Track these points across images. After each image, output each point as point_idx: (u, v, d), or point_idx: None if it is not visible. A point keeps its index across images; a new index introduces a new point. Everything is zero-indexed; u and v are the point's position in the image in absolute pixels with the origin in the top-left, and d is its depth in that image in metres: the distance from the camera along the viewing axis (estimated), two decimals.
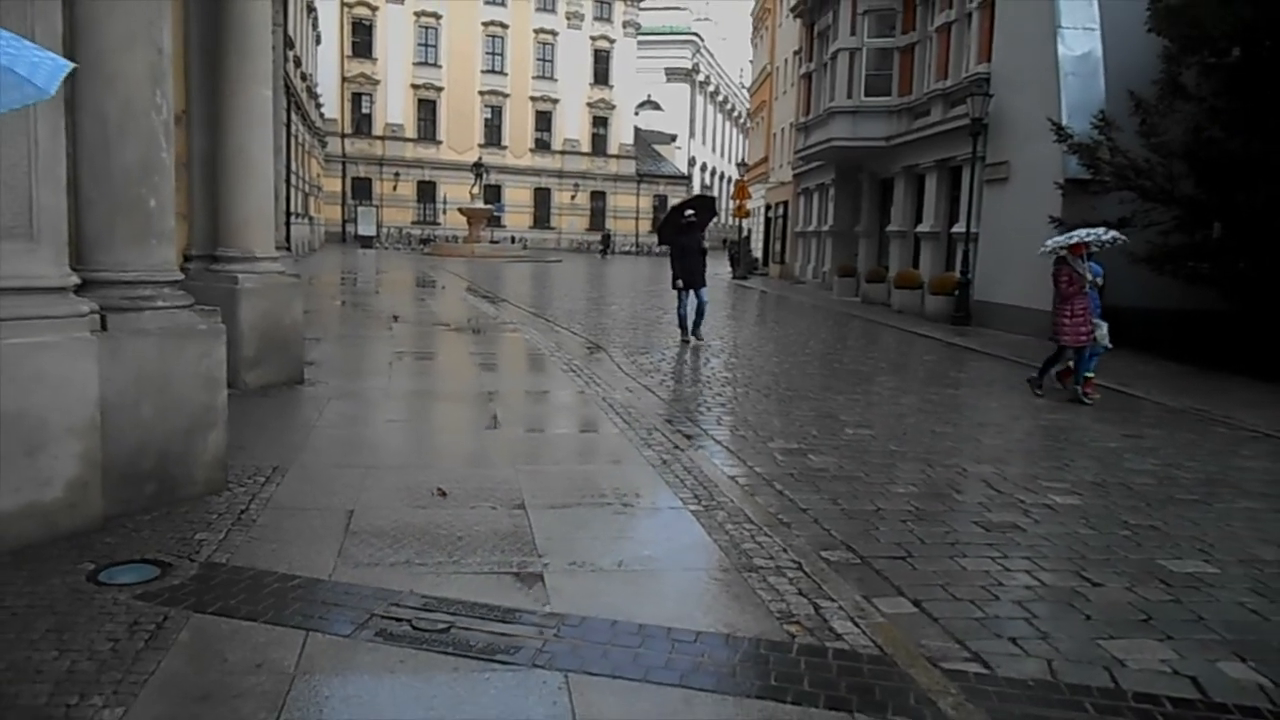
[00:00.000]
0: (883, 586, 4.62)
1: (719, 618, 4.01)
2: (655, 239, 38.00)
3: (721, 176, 77.54)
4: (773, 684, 3.45)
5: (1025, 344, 15.41)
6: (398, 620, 3.82)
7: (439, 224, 59.90)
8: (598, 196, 66.26)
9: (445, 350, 12.58)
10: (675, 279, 14.59)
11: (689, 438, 7.61)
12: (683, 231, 14.67)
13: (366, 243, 51.02)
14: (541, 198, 64.47)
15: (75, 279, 4.56)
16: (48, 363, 4.36)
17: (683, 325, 14.52)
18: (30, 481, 4.35)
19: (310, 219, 44.36)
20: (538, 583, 4.29)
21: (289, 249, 29.08)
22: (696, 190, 67.13)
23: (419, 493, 5.58)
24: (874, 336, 17.30)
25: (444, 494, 5.59)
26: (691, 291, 14.39)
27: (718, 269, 40.58)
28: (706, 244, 15.18)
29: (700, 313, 14.41)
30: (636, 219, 65.73)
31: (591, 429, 7.88)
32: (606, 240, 59.31)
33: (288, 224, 31.33)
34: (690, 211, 14.86)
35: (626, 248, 61.16)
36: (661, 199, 68.19)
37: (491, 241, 52.36)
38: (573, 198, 65.08)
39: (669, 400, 9.41)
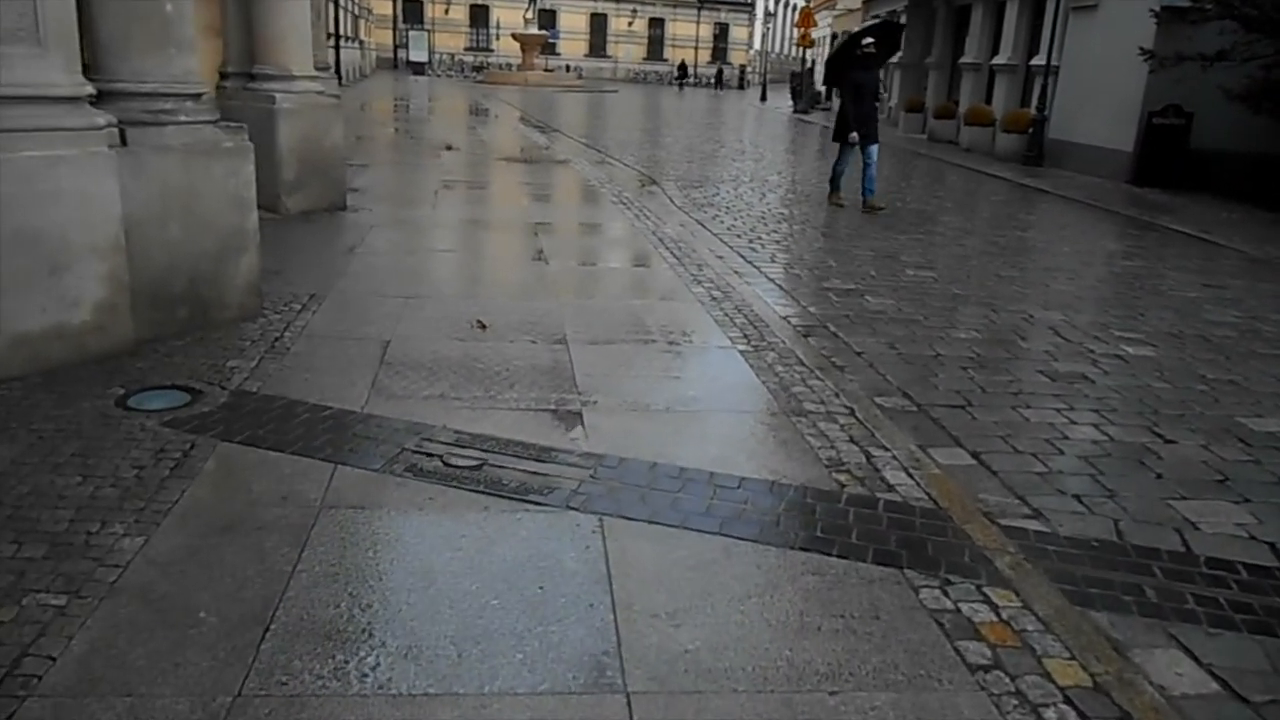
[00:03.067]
0: (940, 436, 4.37)
1: (764, 463, 3.81)
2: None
3: (787, 4, 73.43)
4: (818, 535, 3.26)
5: (1101, 187, 14.59)
6: (429, 455, 3.68)
7: (492, 50, 58.07)
8: (656, 24, 63.41)
9: (494, 180, 12.22)
10: (843, 129, 11.26)
11: (740, 275, 7.28)
12: (858, 66, 11.23)
13: (418, 69, 49.72)
14: (598, 24, 61.90)
15: (90, 89, 4.27)
16: (65, 178, 4.14)
17: (835, 181, 11.71)
18: (56, 302, 4.21)
19: (360, 43, 43.21)
20: (576, 421, 4.11)
21: (335, 72, 28.45)
22: (761, 18, 63.81)
23: (458, 324, 5.39)
24: (939, 175, 16.49)
25: (484, 326, 5.39)
26: (858, 147, 11.07)
27: (778, 102, 39.00)
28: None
29: (870, 175, 11.20)
30: (696, 48, 63.00)
31: (641, 264, 7.58)
32: (684, 70, 56.95)
33: (336, 47, 30.56)
34: (869, 40, 11.37)
35: (692, 79, 58.62)
36: (723, 26, 65.15)
37: (546, 70, 50.72)
38: (630, 24, 62.37)
39: (722, 236, 9.03)
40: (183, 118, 4.73)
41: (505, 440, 3.85)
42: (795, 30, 39.62)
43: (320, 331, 5.12)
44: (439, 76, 49.94)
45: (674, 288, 6.59)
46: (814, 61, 39.91)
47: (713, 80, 58.33)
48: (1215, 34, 12.86)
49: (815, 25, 37.34)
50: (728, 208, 10.92)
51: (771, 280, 7.34)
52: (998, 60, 20.75)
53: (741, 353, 5.21)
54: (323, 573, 2.86)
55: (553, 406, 4.26)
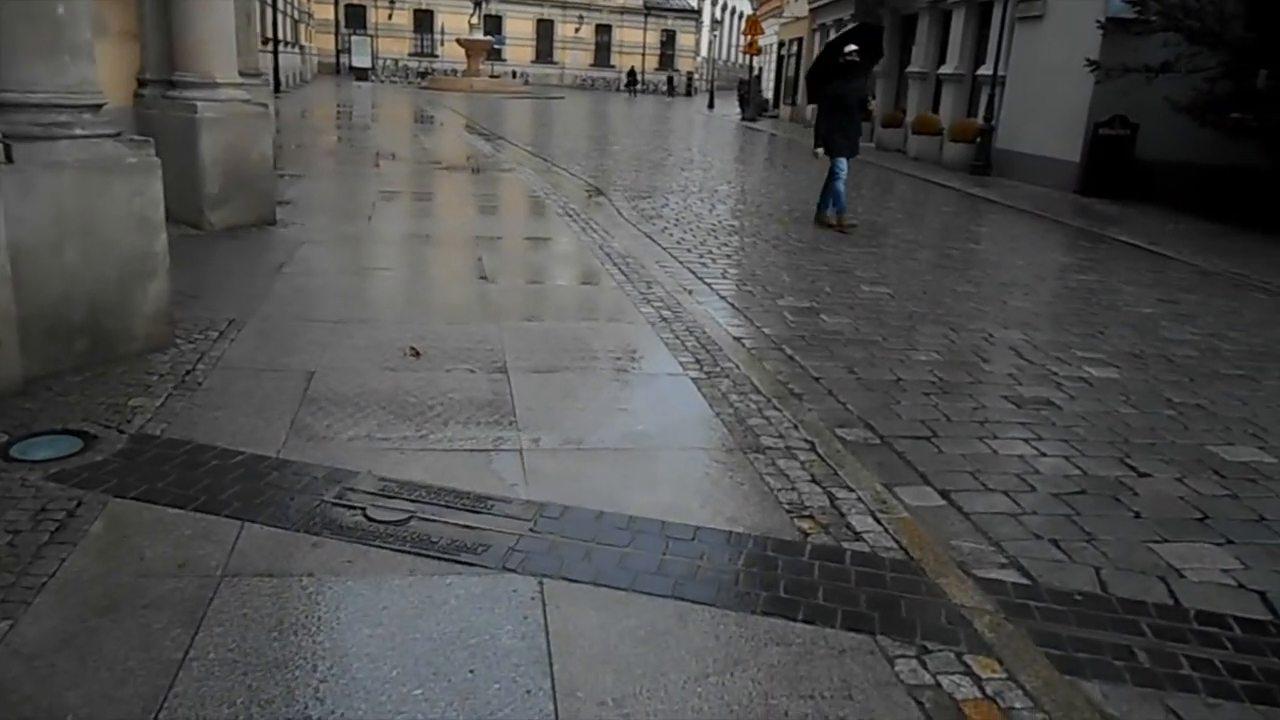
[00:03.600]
0: (906, 473, 4.11)
1: (721, 509, 3.50)
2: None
3: (733, 11, 73.58)
4: (782, 596, 2.96)
5: (1049, 197, 14.60)
6: (350, 508, 3.30)
7: (437, 56, 57.37)
8: (603, 30, 63.17)
9: (436, 191, 11.80)
10: (823, 140, 10.60)
11: (691, 292, 6.99)
12: (841, 75, 10.48)
13: (361, 75, 48.87)
14: (544, 30, 61.49)
15: None
16: None
17: (836, 201, 10.53)
18: None
19: (301, 48, 42.34)
20: (515, 463, 3.77)
21: (274, 77, 27.69)
22: (707, 25, 63.83)
23: (390, 352, 5.02)
24: (888, 185, 16.41)
25: (417, 354, 5.02)
26: (842, 160, 10.44)
27: (726, 110, 38.96)
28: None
29: (837, 190, 10.50)
30: (643, 55, 62.86)
31: (588, 281, 7.24)
32: (634, 77, 56.62)
33: (275, 52, 29.81)
34: (852, 49, 10.56)
35: (640, 86, 58.14)
36: (670, 34, 65.13)
37: (491, 76, 50.20)
38: (577, 30, 62.07)
39: (671, 250, 8.74)
40: (78, 131, 4.30)
41: (436, 488, 3.50)
42: (742, 38, 39.61)
43: (237, 363, 4.71)
44: (382, 82, 49.13)
45: (622, 307, 6.27)
46: (761, 69, 39.93)
47: (665, 87, 58.20)
48: (1160, 45, 12.91)
49: (762, 33, 37.35)
50: (676, 220, 10.64)
51: (723, 298, 7.06)
52: (944, 69, 20.82)
53: (694, 380, 4.90)
54: (218, 660, 2.49)
55: (490, 446, 3.91)
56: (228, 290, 6.07)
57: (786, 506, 3.56)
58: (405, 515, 3.29)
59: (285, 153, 13.47)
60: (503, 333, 5.50)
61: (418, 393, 4.45)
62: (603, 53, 63.11)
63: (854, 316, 6.73)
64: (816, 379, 5.28)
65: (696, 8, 67.22)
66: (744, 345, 5.75)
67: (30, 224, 4.12)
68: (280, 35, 32.06)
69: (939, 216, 12.97)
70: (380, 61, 54.06)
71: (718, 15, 66.36)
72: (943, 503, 3.83)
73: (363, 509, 3.31)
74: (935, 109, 21.29)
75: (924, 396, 5.11)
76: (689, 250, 8.83)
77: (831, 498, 3.66)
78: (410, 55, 57.92)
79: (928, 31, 22.01)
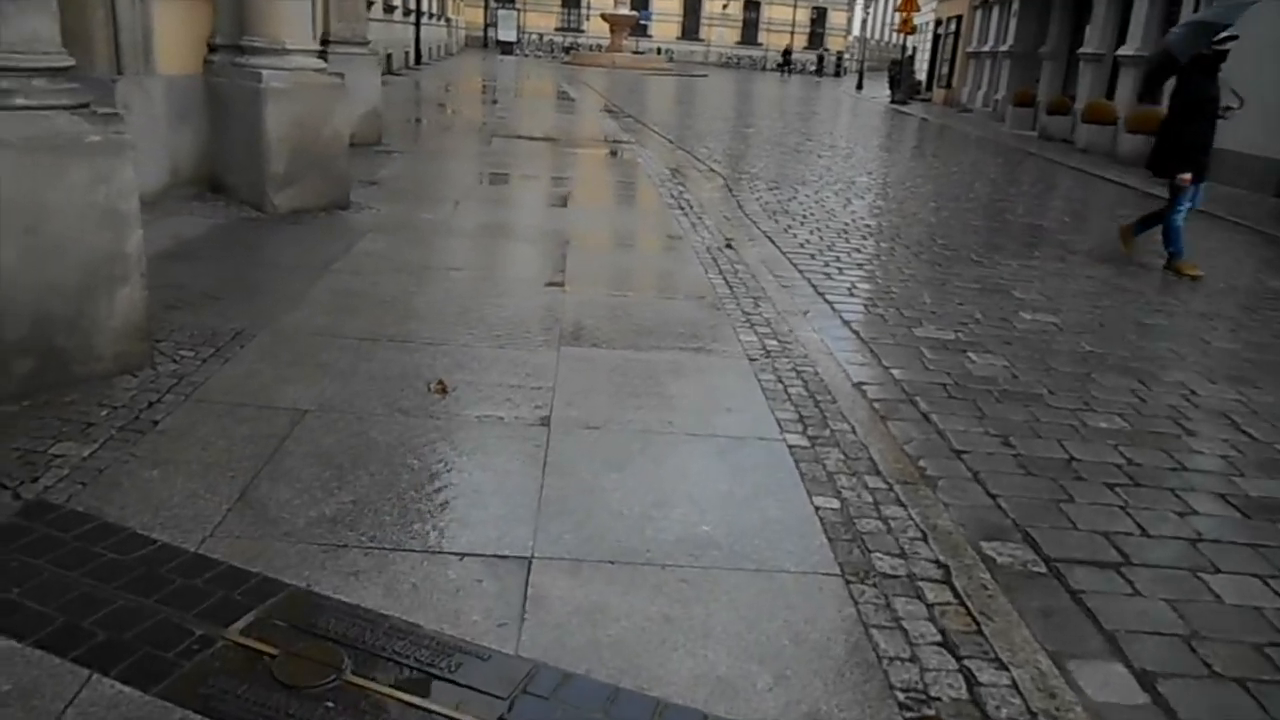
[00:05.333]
0: (1085, 632, 2.82)
1: (798, 694, 2.32)
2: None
3: None
4: None
5: (1247, 200, 12.51)
6: (255, 657, 2.28)
7: (583, 31, 56.90)
8: (751, 7, 61.29)
9: (540, 174, 10.82)
10: (1169, 158, 7.69)
11: (807, 314, 5.74)
12: (1204, 70, 7.53)
13: (506, 49, 48.70)
14: (691, 6, 60.10)
15: None
16: None
17: (1173, 240, 7.84)
18: None
19: (448, 20, 42.37)
20: (516, 584, 2.68)
21: (415, 50, 27.44)
22: (861, 3, 60.99)
23: (413, 385, 4.01)
24: (1053, 180, 14.56)
25: (444, 390, 4.00)
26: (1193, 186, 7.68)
27: (875, 91, 36.85)
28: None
29: (1175, 225, 7.78)
30: (792, 33, 60.65)
31: (681, 293, 6.08)
32: (788, 56, 54.35)
33: (417, 24, 29.59)
34: (1230, 34, 7.44)
35: (797, 67, 55.56)
36: (821, 11, 62.67)
37: (635, 52, 49.29)
38: (725, 7, 60.39)
39: (792, 255, 7.47)
40: (20, 100, 3.42)
41: (390, 625, 2.44)
42: (896, 16, 37.32)
43: (216, 394, 3.78)
44: (526, 57, 48.86)
45: (718, 332, 5.08)
46: (914, 49, 37.58)
47: (813, 67, 55.84)
48: None
49: (918, 10, 35.00)
50: (804, 216, 9.33)
51: (846, 323, 5.78)
52: (1124, 51, 18.52)
53: (792, 450, 3.70)
54: None
55: (490, 551, 2.83)
56: (255, 290, 5.21)
57: (900, 696, 2.34)
58: (329, 676, 2.24)
59: (397, 127, 12.78)
60: (560, 363, 4.42)
61: (424, 451, 3.42)
62: (750, 30, 61.26)
63: (1011, 356, 5.34)
64: (959, 453, 3.99)
65: None
66: (865, 396, 4.48)
67: None
68: (424, 7, 31.89)
69: (1113, 221, 11.17)
70: (526, 36, 53.90)
71: None
72: (1145, 699, 2.53)
73: (270, 657, 2.28)
74: (1110, 95, 19.03)
75: (1108, 490, 3.75)
76: (813, 256, 7.55)
77: (970, 679, 2.42)
78: (556, 30, 57.65)
79: (1106, 8, 19.70)
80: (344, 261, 5.95)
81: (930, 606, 2.73)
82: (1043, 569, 3.13)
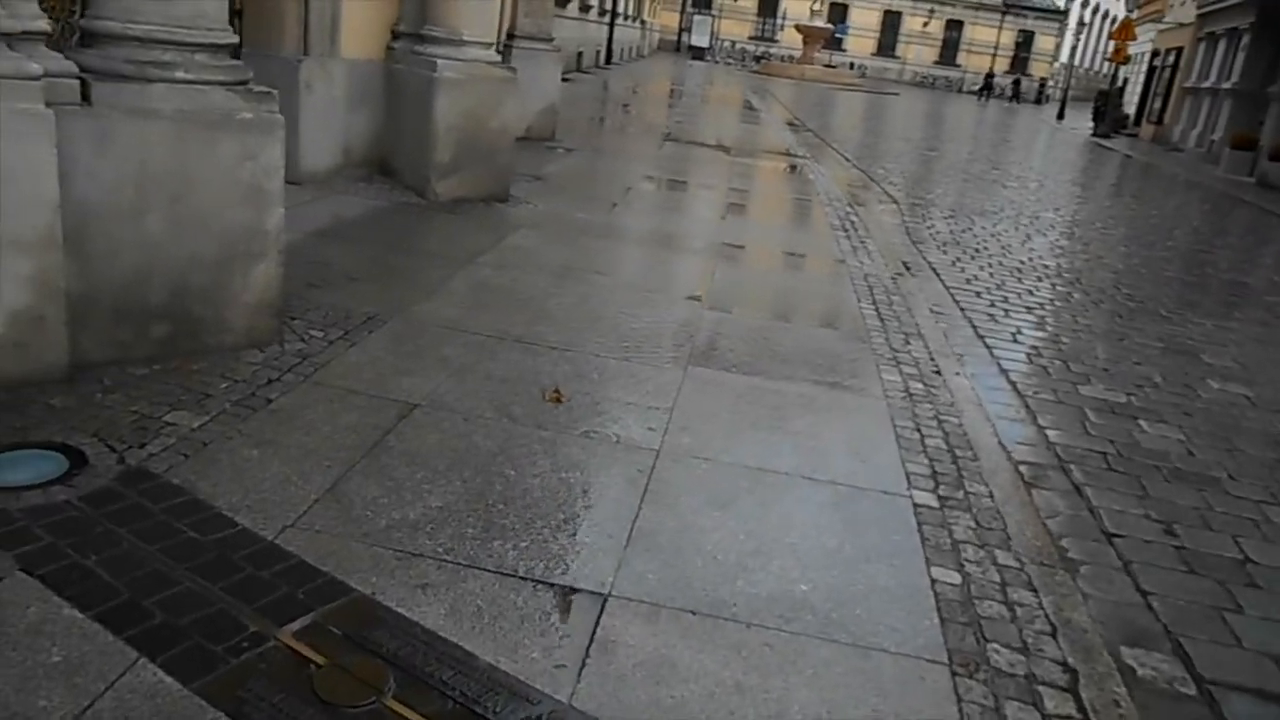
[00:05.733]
0: None
1: None
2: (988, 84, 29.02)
3: (1105, 15, 66.41)
4: None
5: None
6: (301, 665, 2.19)
7: (776, 41, 56.42)
8: (953, 26, 59.15)
9: (705, 181, 10.64)
10: None
11: (962, 358, 5.32)
12: None
13: (697, 54, 48.87)
14: (890, 22, 58.56)
15: (17, 23, 3.09)
16: None
17: None
18: None
19: (642, 23, 42.89)
20: (584, 621, 2.50)
21: (607, 51, 27.84)
22: (1072, 28, 57.89)
23: (528, 390, 3.90)
24: (1268, 233, 13.25)
25: (559, 399, 3.87)
26: None
27: (1076, 122, 34.80)
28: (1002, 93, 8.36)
29: None
30: (994, 55, 58.18)
31: (827, 321, 5.77)
32: (989, 80, 51.70)
33: (611, 24, 30.03)
34: None
35: (999, 92, 52.86)
36: (1028, 35, 59.82)
37: (827, 65, 48.47)
38: (925, 25, 58.57)
39: (956, 290, 7.01)
40: (180, 74, 3.50)
41: (446, 648, 2.31)
42: (1109, 43, 35.09)
43: (334, 378, 3.78)
44: (716, 63, 48.87)
45: (858, 367, 4.76)
46: (1126, 80, 35.31)
47: (1008, 92, 53.32)
48: None
49: (1134, 39, 32.83)
50: (976, 249, 8.77)
51: (1004, 372, 5.32)
52: None
53: (918, 509, 3.37)
54: None
55: (565, 581, 2.66)
56: (396, 276, 5.25)
57: None
58: (369, 699, 2.13)
59: (574, 124, 12.90)
60: (684, 384, 4.22)
61: (521, 464, 3.29)
62: (949, 50, 59.13)
63: (1189, 429, 4.77)
64: (1110, 537, 3.54)
65: (1063, 8, 61.21)
66: (1011, 457, 4.07)
67: (105, 182, 3.38)
68: (620, 8, 32.34)
69: None
70: (719, 42, 53.94)
71: (1085, 17, 60.00)
72: None
73: (315, 666, 2.19)
74: None
75: None
76: (979, 294, 7.05)
77: None
78: (750, 38, 57.39)
79: None
80: (490, 255, 5.95)
81: (1047, 718, 2.38)
82: (1192, 691, 2.70)
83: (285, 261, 4.05)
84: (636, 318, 5.08)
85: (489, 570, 2.66)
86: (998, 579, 2.98)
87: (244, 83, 3.71)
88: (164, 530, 2.63)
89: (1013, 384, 5.13)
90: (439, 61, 6.91)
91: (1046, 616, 2.82)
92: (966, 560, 3.07)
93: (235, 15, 6.52)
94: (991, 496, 3.56)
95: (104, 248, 3.45)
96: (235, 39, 3.75)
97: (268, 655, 2.21)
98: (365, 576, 2.55)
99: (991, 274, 7.81)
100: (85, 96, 3.33)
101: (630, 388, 4.10)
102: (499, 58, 7.50)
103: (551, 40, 11.32)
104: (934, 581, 2.92)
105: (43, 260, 3.23)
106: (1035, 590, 2.95)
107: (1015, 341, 6.01)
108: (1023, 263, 8.50)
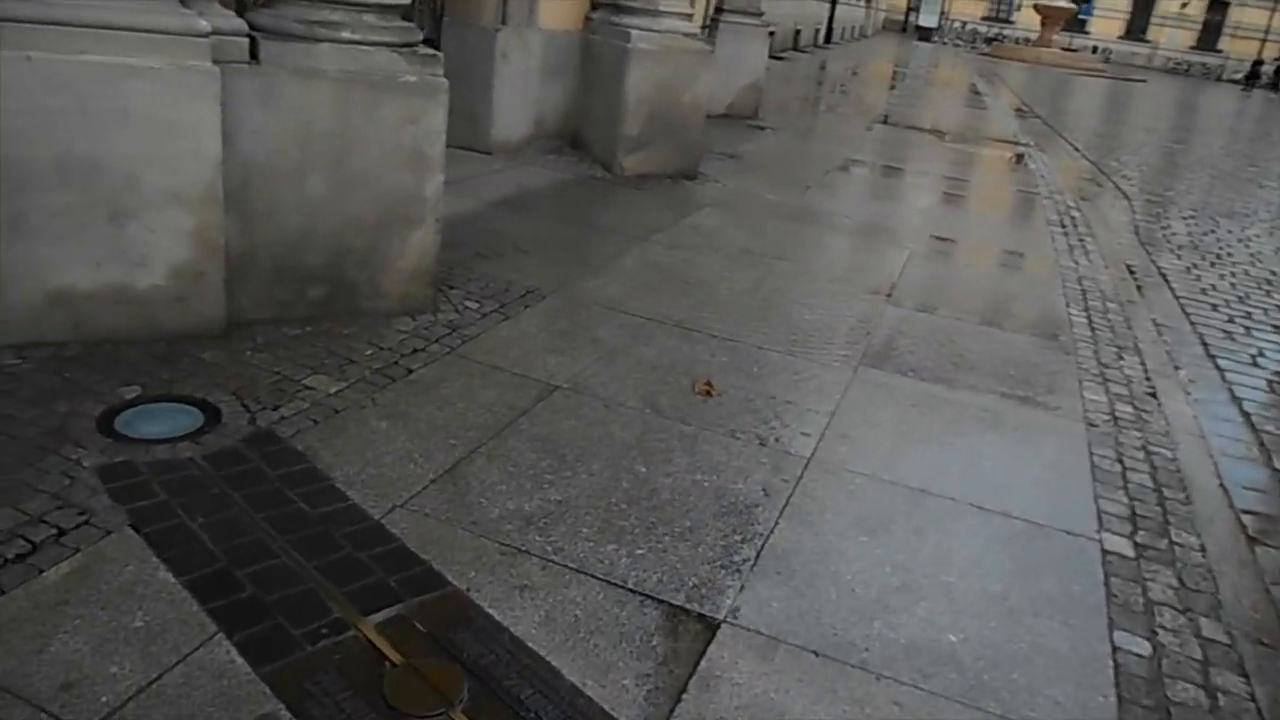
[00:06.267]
0: None
1: None
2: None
3: None
4: None
5: None
6: (373, 662, 2.05)
7: (1011, 22, 53.15)
8: (1217, 7, 53.64)
9: (913, 169, 9.99)
10: None
11: (1182, 382, 4.63)
12: None
13: (924, 35, 46.68)
14: (1141, 3, 53.83)
15: None
16: (138, 96, 3.04)
17: None
18: (115, 258, 3.18)
19: (867, 2, 41.41)
20: (693, 647, 2.23)
21: (827, 30, 27.00)
22: None
23: (677, 380, 3.66)
24: None
25: (709, 392, 3.61)
26: None
27: None
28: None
29: None
30: (1263, 40, 52.35)
31: (1031, 327, 5.15)
32: (1256, 70, 46.52)
33: (833, 3, 29.05)
34: None
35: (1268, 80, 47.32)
36: None
37: (1065, 49, 45.09)
38: (1184, 5, 53.43)
39: (1187, 301, 6.17)
40: (346, 34, 3.46)
41: (531, 661, 2.11)
42: None
43: (479, 352, 3.67)
44: (944, 44, 46.53)
45: (1056, 382, 4.22)
46: None
47: (1273, 80, 47.74)
48: None
49: None
50: (1219, 256, 7.75)
51: (1238, 400, 4.59)
52: None
53: (1107, 557, 2.88)
54: None
55: (678, 600, 2.41)
56: (566, 250, 5.13)
57: None
58: (436, 709, 1.96)
59: (780, 103, 12.50)
60: (851, 386, 3.85)
61: (655, 461, 3.05)
62: (1210, 34, 53.66)
63: None
64: None
65: None
66: (1233, 504, 3.45)
67: (269, 141, 3.39)
68: None
69: None
70: (948, 22, 51.40)
71: None
72: None
73: (390, 665, 2.04)
74: None
75: None
76: (1215, 307, 6.18)
77: None
78: (983, 19, 54.34)
79: None
80: (667, 233, 5.73)
81: None
82: None
83: (445, 229, 3.99)
84: (811, 309, 4.73)
85: (596, 577, 2.44)
86: (1199, 656, 2.48)
87: (411, 45, 3.64)
88: (275, 498, 2.57)
89: (1246, 415, 4.40)
90: (633, 32, 6.73)
91: (1258, 711, 2.31)
92: (1161, 627, 2.57)
93: None
94: (1203, 550, 3.01)
95: (266, 207, 3.47)
96: (406, 0, 3.67)
97: (344, 646, 2.08)
98: (464, 570, 2.39)
99: (1234, 284, 6.85)
100: (254, 55, 3.34)
101: (790, 385, 3.78)
102: (697, 29, 7.25)
103: (761, 15, 10.94)
104: (1116, 649, 2.45)
105: (204, 216, 3.27)
106: (1246, 676, 2.43)
107: (1255, 365, 5.20)
108: (1274, 273, 7.42)
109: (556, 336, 3.95)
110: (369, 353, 3.52)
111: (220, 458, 2.72)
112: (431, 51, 3.68)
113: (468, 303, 4.12)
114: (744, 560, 2.60)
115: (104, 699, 1.87)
